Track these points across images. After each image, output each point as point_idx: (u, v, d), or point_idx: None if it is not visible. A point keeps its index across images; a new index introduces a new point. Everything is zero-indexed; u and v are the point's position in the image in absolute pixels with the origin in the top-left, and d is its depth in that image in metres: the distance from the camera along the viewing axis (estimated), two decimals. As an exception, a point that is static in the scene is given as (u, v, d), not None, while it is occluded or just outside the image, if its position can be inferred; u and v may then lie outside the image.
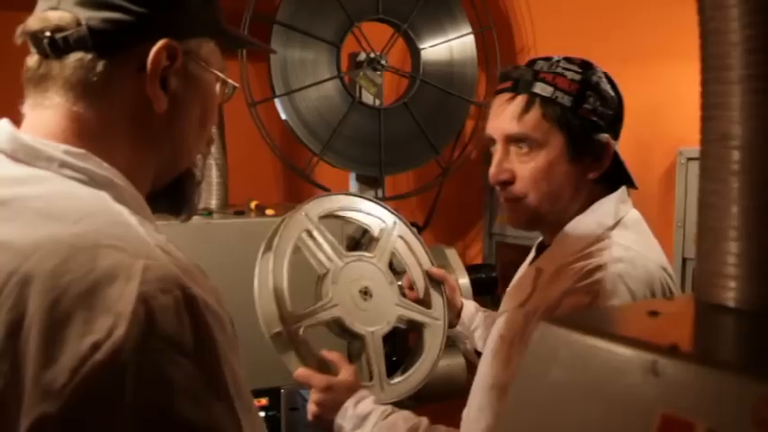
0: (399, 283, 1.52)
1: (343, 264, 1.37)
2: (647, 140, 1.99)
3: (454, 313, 1.56)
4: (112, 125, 0.73)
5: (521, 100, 1.14)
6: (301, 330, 1.28)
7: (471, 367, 1.51)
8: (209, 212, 1.77)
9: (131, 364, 0.56)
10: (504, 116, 1.15)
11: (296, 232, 1.34)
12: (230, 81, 0.85)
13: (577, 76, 1.13)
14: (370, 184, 2.16)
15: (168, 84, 0.74)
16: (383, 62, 2.08)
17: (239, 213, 1.76)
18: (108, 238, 0.62)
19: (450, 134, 2.26)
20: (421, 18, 2.14)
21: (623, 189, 1.19)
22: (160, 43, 0.72)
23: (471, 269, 2.09)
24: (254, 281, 1.30)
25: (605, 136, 1.14)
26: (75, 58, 0.71)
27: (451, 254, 2.08)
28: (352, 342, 1.42)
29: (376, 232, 1.47)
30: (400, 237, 1.47)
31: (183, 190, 0.83)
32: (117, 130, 0.73)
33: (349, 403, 1.22)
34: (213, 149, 1.83)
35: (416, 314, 1.45)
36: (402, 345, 1.74)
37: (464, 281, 2.02)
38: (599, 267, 1.06)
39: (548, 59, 1.17)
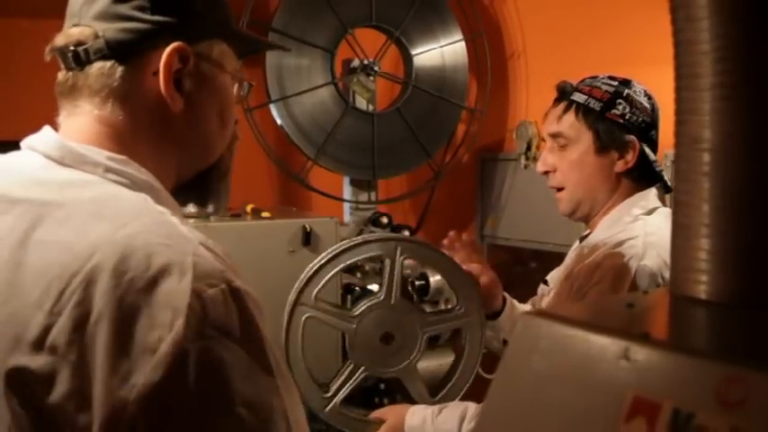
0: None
1: (353, 325, 1.38)
2: (635, 144, 2.03)
3: (495, 305, 1.60)
4: (137, 126, 0.78)
5: (562, 106, 1.42)
6: (339, 403, 1.37)
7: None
8: (206, 215, 1.80)
9: (191, 351, 0.62)
10: (549, 118, 1.45)
11: (300, 320, 1.36)
12: (245, 81, 0.90)
13: (611, 89, 1.38)
14: (364, 187, 2.20)
15: (183, 85, 0.79)
16: (376, 68, 2.12)
17: (236, 216, 1.80)
18: (158, 237, 0.67)
19: (442, 138, 2.30)
20: (413, 25, 2.18)
21: (657, 187, 1.41)
22: (171, 47, 0.77)
23: (463, 271, 2.14)
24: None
25: (630, 136, 1.36)
26: (96, 67, 0.76)
27: (444, 255, 2.12)
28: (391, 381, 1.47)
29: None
30: (406, 258, 1.45)
31: (210, 184, 0.88)
32: (141, 130, 0.79)
33: (407, 419, 1.39)
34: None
35: (447, 324, 1.47)
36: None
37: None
38: (634, 237, 1.30)
39: (595, 77, 1.42)
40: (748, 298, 0.68)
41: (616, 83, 1.39)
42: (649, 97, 1.41)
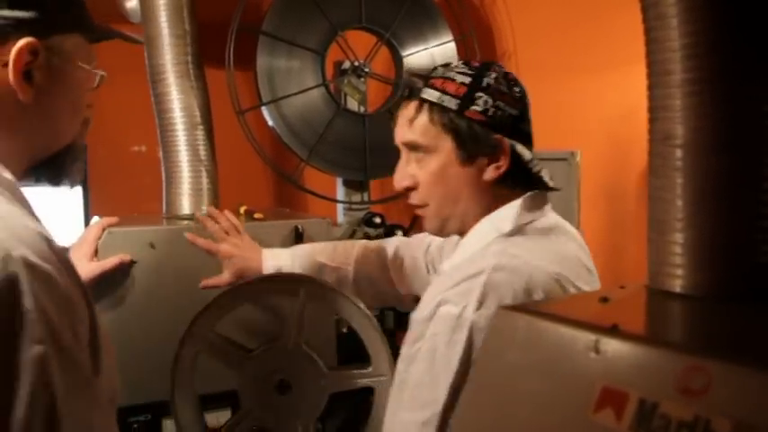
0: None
1: (246, 366, 1.26)
2: (625, 142, 2.05)
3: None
4: None
5: (412, 106, 1.16)
6: None
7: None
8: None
9: None
10: (400, 123, 1.19)
11: (190, 353, 1.27)
12: (97, 72, 0.94)
13: (467, 79, 1.14)
14: (357, 188, 2.21)
15: (33, 77, 0.84)
16: (367, 69, 2.13)
17: (229, 218, 1.81)
18: None
19: (434, 138, 2.31)
20: (403, 26, 2.19)
21: (530, 196, 1.17)
22: (20, 43, 0.82)
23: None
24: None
25: (499, 136, 1.13)
26: None
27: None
28: None
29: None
30: (312, 300, 1.29)
31: (62, 165, 0.94)
32: None
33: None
34: (203, 156, 1.88)
35: (352, 382, 1.31)
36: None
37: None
38: (476, 274, 1.05)
39: (447, 65, 1.19)
40: (722, 290, 0.69)
41: (472, 71, 1.15)
42: (514, 82, 1.17)
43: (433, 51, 2.25)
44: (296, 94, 2.04)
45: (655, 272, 0.75)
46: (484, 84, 1.13)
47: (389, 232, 2.13)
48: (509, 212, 1.15)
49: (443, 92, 1.13)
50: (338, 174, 2.18)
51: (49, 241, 0.75)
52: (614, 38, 2.05)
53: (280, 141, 2.07)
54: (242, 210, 1.92)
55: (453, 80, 1.14)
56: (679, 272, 0.72)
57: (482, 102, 1.12)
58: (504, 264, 1.06)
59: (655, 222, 0.76)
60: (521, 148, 1.15)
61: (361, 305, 1.31)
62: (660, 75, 0.74)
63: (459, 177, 1.15)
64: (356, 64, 2.12)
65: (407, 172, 1.19)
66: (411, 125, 1.16)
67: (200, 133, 1.88)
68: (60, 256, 0.75)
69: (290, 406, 1.26)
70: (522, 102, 1.17)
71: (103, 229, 1.50)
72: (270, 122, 2.03)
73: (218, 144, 1.94)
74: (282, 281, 1.32)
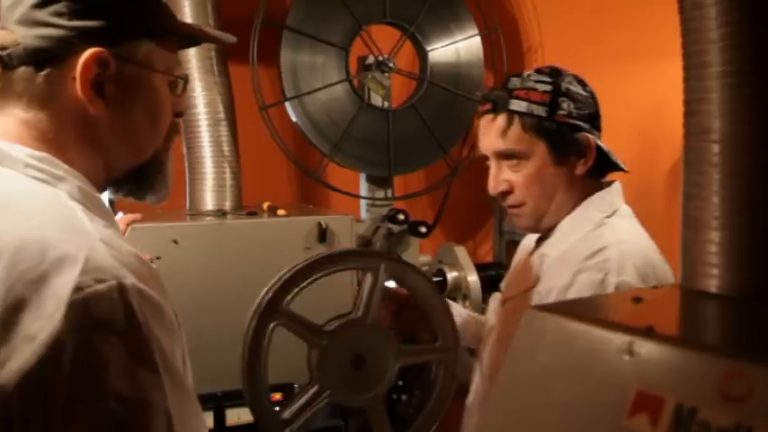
0: None
1: (324, 342, 1.25)
2: (653, 137, 2.01)
3: None
4: (62, 129, 0.79)
5: (501, 119, 1.28)
6: (296, 430, 1.25)
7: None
8: (222, 213, 1.81)
9: (68, 343, 0.64)
10: (491, 135, 1.30)
11: (267, 329, 1.25)
12: (179, 77, 0.88)
13: (548, 87, 1.26)
14: (380, 184, 2.20)
15: (104, 89, 0.79)
16: (391, 65, 2.12)
17: (252, 214, 1.81)
18: (57, 232, 0.69)
19: (458, 134, 2.28)
20: (428, 21, 2.17)
21: (618, 184, 1.33)
22: (87, 53, 0.77)
23: (481, 267, 2.13)
24: (245, 385, 1.23)
25: (584, 135, 1.27)
26: (20, 71, 0.78)
27: (460, 251, 2.12)
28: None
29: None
30: (391, 277, 1.31)
31: (145, 178, 0.89)
32: (66, 133, 0.80)
33: None
34: (226, 152, 1.88)
35: (421, 356, 1.34)
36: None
37: (473, 278, 2.06)
38: (605, 248, 1.20)
39: (519, 75, 1.30)
40: (760, 291, 0.67)
41: (549, 78, 1.28)
42: (584, 84, 1.31)
43: (458, 46, 2.23)
44: (319, 89, 2.03)
45: (689, 271, 0.73)
46: (563, 89, 1.26)
47: (413, 228, 2.12)
48: (606, 198, 1.31)
49: (530, 101, 1.26)
50: (362, 169, 2.17)
51: (144, 263, 0.74)
52: (643, 31, 2.02)
53: (303, 137, 2.06)
54: (265, 206, 1.92)
55: (535, 89, 1.26)
56: (715, 271, 0.70)
57: (566, 105, 1.25)
58: (623, 239, 1.22)
59: (689, 220, 0.74)
60: (600, 142, 1.28)
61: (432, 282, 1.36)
62: (697, 67, 0.72)
63: (554, 176, 1.29)
64: (380, 59, 2.11)
65: (501, 178, 1.32)
66: (504, 136, 1.28)
67: (224, 129, 1.88)
68: (155, 276, 0.75)
69: (363, 380, 1.28)
70: (594, 99, 1.30)
71: (127, 226, 1.50)
72: (293, 118, 2.02)
73: (241, 140, 1.93)
74: (364, 255, 1.36)
